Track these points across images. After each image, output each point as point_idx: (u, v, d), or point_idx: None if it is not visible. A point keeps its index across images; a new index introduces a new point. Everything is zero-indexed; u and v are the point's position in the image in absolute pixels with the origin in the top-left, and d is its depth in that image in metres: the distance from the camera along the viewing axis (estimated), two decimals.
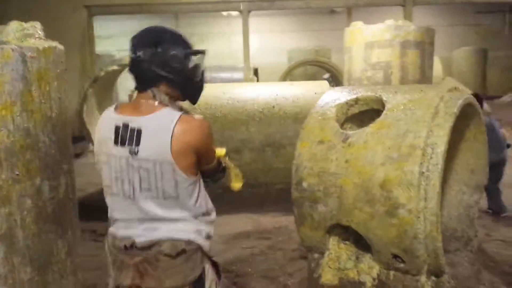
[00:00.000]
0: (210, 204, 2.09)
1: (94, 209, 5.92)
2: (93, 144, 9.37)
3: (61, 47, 2.59)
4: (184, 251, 1.89)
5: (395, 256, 3.43)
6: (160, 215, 1.88)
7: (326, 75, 12.49)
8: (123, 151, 1.85)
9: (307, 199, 3.64)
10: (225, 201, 5.98)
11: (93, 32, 11.55)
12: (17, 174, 2.08)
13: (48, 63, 2.33)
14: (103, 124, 1.93)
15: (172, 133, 1.82)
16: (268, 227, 4.52)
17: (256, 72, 16.63)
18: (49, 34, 10.02)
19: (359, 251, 3.69)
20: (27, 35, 2.38)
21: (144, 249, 1.86)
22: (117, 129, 1.86)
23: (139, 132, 1.82)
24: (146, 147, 1.83)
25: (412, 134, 3.32)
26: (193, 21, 21.25)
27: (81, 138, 9.94)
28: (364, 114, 3.98)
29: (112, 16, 15.37)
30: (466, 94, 3.78)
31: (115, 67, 9.38)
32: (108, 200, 1.99)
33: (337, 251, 3.71)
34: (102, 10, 11.43)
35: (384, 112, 3.58)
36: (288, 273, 4.09)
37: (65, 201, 2.66)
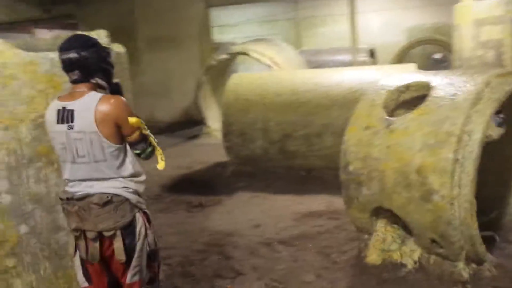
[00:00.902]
0: (138, 168, 2.53)
1: (197, 184, 6.73)
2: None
3: (121, 50, 3.16)
4: (110, 201, 2.39)
5: (434, 241, 3.51)
6: (92, 175, 2.42)
7: (438, 55, 11.85)
8: (64, 127, 2.40)
9: (353, 181, 3.85)
10: (307, 182, 6.36)
11: (210, 22, 12.51)
12: None
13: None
14: (49, 110, 2.50)
15: (95, 109, 2.33)
16: (340, 208, 4.73)
17: (372, 53, 16.32)
18: (171, 26, 11.09)
19: (406, 235, 3.80)
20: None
21: (79, 200, 2.42)
22: (58, 112, 2.42)
23: (73, 112, 2.38)
24: (78, 122, 2.38)
25: (450, 121, 3.34)
26: (313, 3, 21.32)
27: (199, 121, 10.90)
28: (420, 99, 4.01)
29: (237, 5, 16.21)
30: None
31: (225, 56, 10.12)
32: (61, 165, 2.55)
33: (384, 233, 3.86)
34: (219, 1, 12.28)
35: (428, 98, 3.62)
36: (342, 251, 4.34)
37: None
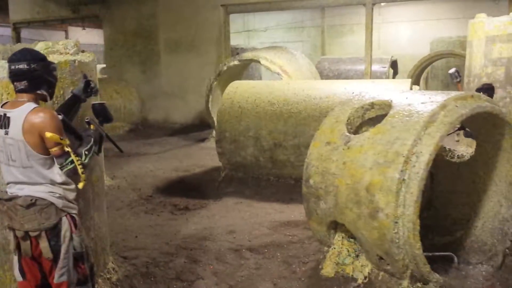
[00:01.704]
0: (67, 179, 2.68)
1: (189, 187, 6.89)
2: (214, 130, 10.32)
3: (86, 59, 3.34)
4: (34, 204, 2.57)
5: (381, 258, 3.56)
6: (22, 179, 2.61)
7: (452, 70, 11.66)
8: (2, 132, 2.61)
9: (312, 195, 3.93)
10: (294, 191, 6.42)
11: (229, 28, 12.71)
12: None
13: (64, 73, 3.12)
14: None
15: (24, 119, 2.51)
16: None
17: (394, 64, 16.17)
18: (190, 31, 11.41)
19: (362, 249, 3.86)
20: (51, 52, 3.22)
21: (8, 201, 2.63)
22: (0, 117, 2.61)
23: (9, 119, 2.58)
24: (12, 129, 2.57)
25: (400, 142, 3.39)
26: (341, 11, 21.29)
27: (208, 125, 11.10)
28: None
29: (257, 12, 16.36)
30: (484, 102, 3.61)
31: (236, 62, 10.28)
32: (1, 167, 2.74)
33: (340, 246, 3.93)
34: (237, 8, 12.47)
35: (386, 117, 3.67)
36: (304, 262, 4.38)
37: None
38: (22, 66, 2.58)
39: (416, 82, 15.23)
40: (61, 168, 2.60)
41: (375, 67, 15.46)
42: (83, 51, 3.58)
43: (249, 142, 6.51)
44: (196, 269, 4.20)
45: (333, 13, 21.75)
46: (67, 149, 2.57)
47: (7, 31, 18.11)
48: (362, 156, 3.56)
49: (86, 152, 2.70)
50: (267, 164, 6.50)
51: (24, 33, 22.20)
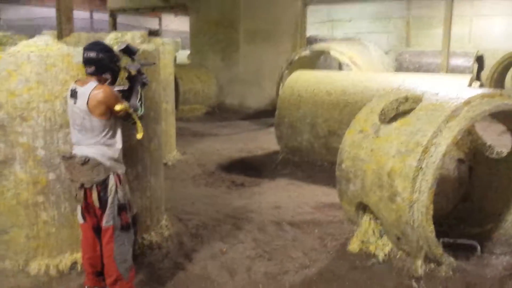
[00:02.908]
0: (118, 143, 3.31)
1: (248, 167, 7.46)
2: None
3: (149, 48, 3.93)
4: (87, 162, 3.18)
5: (398, 238, 3.86)
6: (83, 141, 3.23)
7: None
8: (72, 101, 3.23)
9: (343, 178, 4.29)
10: None
11: (306, 19, 13.04)
12: None
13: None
14: (68, 89, 3.34)
15: (89, 94, 3.12)
16: None
17: (480, 59, 15.55)
18: (269, 22, 12.06)
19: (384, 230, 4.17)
20: (120, 41, 3.85)
21: (68, 159, 3.25)
22: (71, 90, 3.25)
23: (77, 92, 3.20)
24: (79, 100, 3.18)
25: (421, 133, 3.66)
26: (428, 3, 20.63)
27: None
28: None
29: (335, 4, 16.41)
30: (509, 99, 3.75)
31: (307, 52, 10.64)
32: (70, 130, 3.38)
33: (367, 226, 4.26)
34: (315, 0, 12.75)
35: (414, 110, 3.93)
36: (336, 238, 4.71)
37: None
38: (92, 54, 3.21)
39: (499, 79, 14.60)
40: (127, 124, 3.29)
41: (459, 61, 15.04)
42: (151, 38, 4.21)
43: (305, 129, 6.92)
44: (238, 235, 4.74)
45: (420, 4, 21.10)
46: (130, 111, 3.22)
47: (106, 17, 19.76)
48: (388, 144, 3.87)
49: (140, 102, 3.35)
50: (321, 150, 6.86)
51: (122, 18, 24.02)
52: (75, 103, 3.21)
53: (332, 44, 10.61)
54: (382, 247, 4.07)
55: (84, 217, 3.38)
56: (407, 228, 3.65)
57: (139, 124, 3.28)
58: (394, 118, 4.32)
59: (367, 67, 10.11)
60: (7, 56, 3.56)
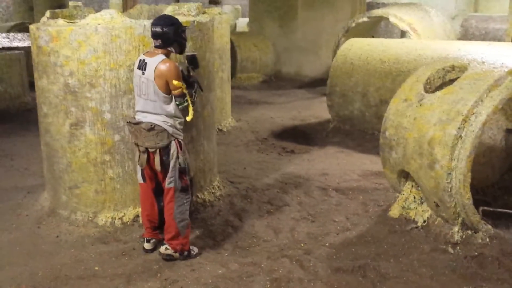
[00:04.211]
0: (179, 114, 3.59)
1: (300, 135, 7.68)
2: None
3: (204, 20, 4.19)
4: (153, 129, 3.48)
5: (437, 205, 4.00)
6: (147, 109, 3.53)
7: None
8: (139, 72, 3.53)
9: (386, 146, 4.44)
10: None
11: None
12: None
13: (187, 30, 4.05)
14: (138, 58, 3.63)
15: (156, 66, 3.40)
16: None
17: None
18: None
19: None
20: (177, 14, 4.13)
21: (135, 124, 3.56)
22: (140, 61, 3.55)
23: (146, 63, 3.48)
24: (146, 72, 3.47)
25: (463, 102, 3.73)
26: None
27: None
28: None
29: None
30: None
31: (365, 19, 10.52)
32: (135, 98, 3.69)
33: (408, 193, 4.42)
34: None
35: (458, 79, 3.98)
36: (379, 204, 4.86)
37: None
38: (158, 29, 3.51)
39: None
40: (178, 105, 3.53)
41: None
42: (210, 7, 4.48)
43: (356, 97, 7.01)
44: (285, 198, 5.03)
45: None
46: (185, 91, 3.50)
47: None
48: (430, 113, 3.97)
49: (194, 93, 3.64)
50: (372, 119, 6.95)
51: None
52: (143, 73, 3.52)
53: (391, 10, 10.40)
54: (422, 213, 4.23)
55: (144, 178, 3.76)
56: (445, 195, 3.78)
57: (190, 106, 3.55)
58: (440, 87, 4.38)
59: (427, 34, 9.87)
60: (77, 28, 3.96)
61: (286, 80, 13.20)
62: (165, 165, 3.61)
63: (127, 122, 3.70)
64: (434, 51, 6.63)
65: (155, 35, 3.51)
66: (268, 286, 3.48)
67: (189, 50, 3.93)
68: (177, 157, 3.62)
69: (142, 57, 3.61)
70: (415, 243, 4.00)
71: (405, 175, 4.39)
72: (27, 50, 9.12)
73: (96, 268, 3.73)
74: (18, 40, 10.50)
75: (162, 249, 3.78)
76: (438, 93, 4.03)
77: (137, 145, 3.66)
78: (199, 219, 4.47)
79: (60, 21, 4.10)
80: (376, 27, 11.87)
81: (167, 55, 3.57)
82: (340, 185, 5.48)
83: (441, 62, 4.42)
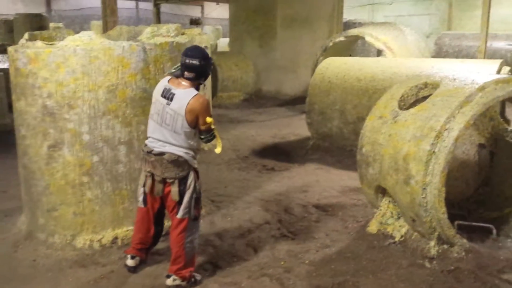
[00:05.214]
0: (198, 143, 3.58)
1: (280, 152, 7.75)
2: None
3: (183, 41, 4.25)
4: (175, 160, 3.45)
5: (413, 220, 4.07)
6: (170, 140, 3.47)
7: None
8: (164, 101, 3.47)
9: (364, 162, 4.52)
10: None
11: (343, 4, 13.09)
12: (136, 112, 3.98)
13: (164, 52, 4.08)
14: (159, 85, 3.57)
15: (188, 101, 3.38)
16: None
17: None
18: (305, 7, 12.15)
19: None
20: (156, 35, 4.19)
21: (156, 155, 3.50)
22: (164, 89, 3.49)
23: (174, 95, 3.44)
24: (175, 103, 3.43)
25: (436, 118, 3.83)
26: None
27: None
28: None
29: None
30: None
31: (342, 38, 10.74)
32: (149, 123, 3.62)
33: (386, 208, 4.48)
34: None
35: (430, 96, 4.10)
36: (358, 221, 4.93)
37: None
38: (195, 62, 3.44)
39: None
40: (203, 139, 3.53)
41: (500, 44, 14.67)
42: (191, 27, 4.54)
43: (335, 115, 7.12)
44: (266, 216, 5.05)
45: None
46: (213, 126, 3.48)
47: (150, 6, 20.34)
48: (405, 129, 4.06)
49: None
50: (351, 136, 7.05)
51: (165, 8, 24.57)
52: (169, 104, 3.43)
53: (367, 29, 10.65)
54: (399, 229, 4.29)
55: (145, 202, 3.69)
56: (420, 210, 3.85)
57: (219, 139, 3.55)
58: (413, 104, 4.49)
59: (402, 52, 10.11)
60: (56, 49, 3.98)
61: (267, 99, 13.33)
62: (181, 195, 3.55)
63: (147, 152, 3.55)
64: (408, 69, 6.81)
65: (190, 68, 3.44)
66: None
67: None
68: (195, 186, 3.59)
69: (167, 85, 3.49)
70: (393, 259, 4.05)
71: (382, 191, 4.46)
72: (6, 72, 9.07)
73: None
74: None
75: (169, 281, 3.64)
76: (412, 110, 4.13)
77: (152, 175, 3.57)
78: None
79: (39, 43, 4.11)
80: (353, 46, 12.12)
81: (197, 88, 3.52)
82: (319, 201, 5.53)
83: (414, 79, 4.55)
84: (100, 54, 3.90)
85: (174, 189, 3.51)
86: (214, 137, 3.54)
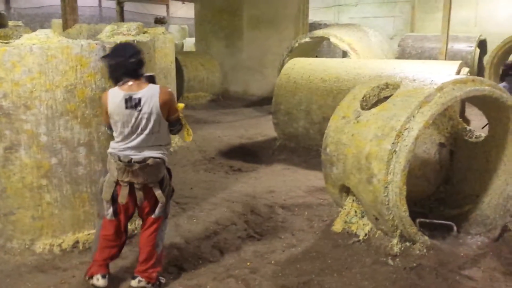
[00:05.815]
0: (170, 139, 3.55)
1: (247, 153, 7.73)
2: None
3: (144, 39, 4.18)
4: (157, 164, 3.39)
5: (376, 218, 4.12)
6: (148, 143, 3.36)
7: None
8: (132, 110, 3.31)
9: (328, 161, 4.55)
10: None
11: (308, 5, 13.21)
12: (96, 112, 3.90)
13: None
14: (114, 100, 3.31)
15: (159, 96, 3.31)
16: None
17: (483, 43, 15.58)
18: (272, 8, 12.17)
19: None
20: (116, 33, 4.11)
21: (139, 163, 3.35)
22: (125, 100, 3.32)
23: (140, 98, 3.32)
24: (146, 105, 3.31)
25: (396, 118, 3.89)
26: None
27: None
28: None
29: None
30: (484, 86, 3.95)
31: (307, 39, 10.81)
32: (117, 137, 3.41)
33: (350, 207, 4.52)
34: None
35: (391, 97, 4.16)
36: (323, 220, 4.99)
37: None
38: (133, 59, 3.37)
39: (500, 64, 14.61)
40: (174, 130, 3.49)
41: (461, 46, 15.08)
42: (145, 32, 4.48)
43: (300, 115, 7.16)
44: (232, 217, 5.02)
45: None
46: (181, 115, 3.44)
47: (113, 4, 20.01)
48: (366, 129, 4.11)
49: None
50: (316, 136, 7.10)
51: (130, 6, 24.19)
52: (139, 109, 3.30)
53: (331, 30, 10.76)
54: (363, 227, 4.34)
55: (116, 214, 3.51)
56: (383, 208, 3.90)
57: (187, 126, 3.53)
58: (375, 104, 4.55)
59: (366, 53, 10.26)
60: (11, 48, 3.83)
61: (234, 99, 13.30)
62: (166, 196, 3.52)
63: (127, 162, 3.37)
64: (371, 69, 6.91)
65: (133, 66, 3.35)
66: None
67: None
68: (169, 184, 3.55)
69: (125, 95, 3.32)
70: (357, 257, 4.09)
71: (346, 190, 4.50)
72: None
73: None
74: None
75: (134, 283, 3.54)
76: (373, 110, 4.18)
77: (129, 184, 3.42)
78: None
79: None
80: (319, 47, 12.24)
81: (152, 81, 3.46)
82: (286, 202, 5.54)
83: (376, 80, 4.61)
84: (58, 53, 3.78)
85: (158, 192, 3.46)
86: (182, 126, 3.52)
